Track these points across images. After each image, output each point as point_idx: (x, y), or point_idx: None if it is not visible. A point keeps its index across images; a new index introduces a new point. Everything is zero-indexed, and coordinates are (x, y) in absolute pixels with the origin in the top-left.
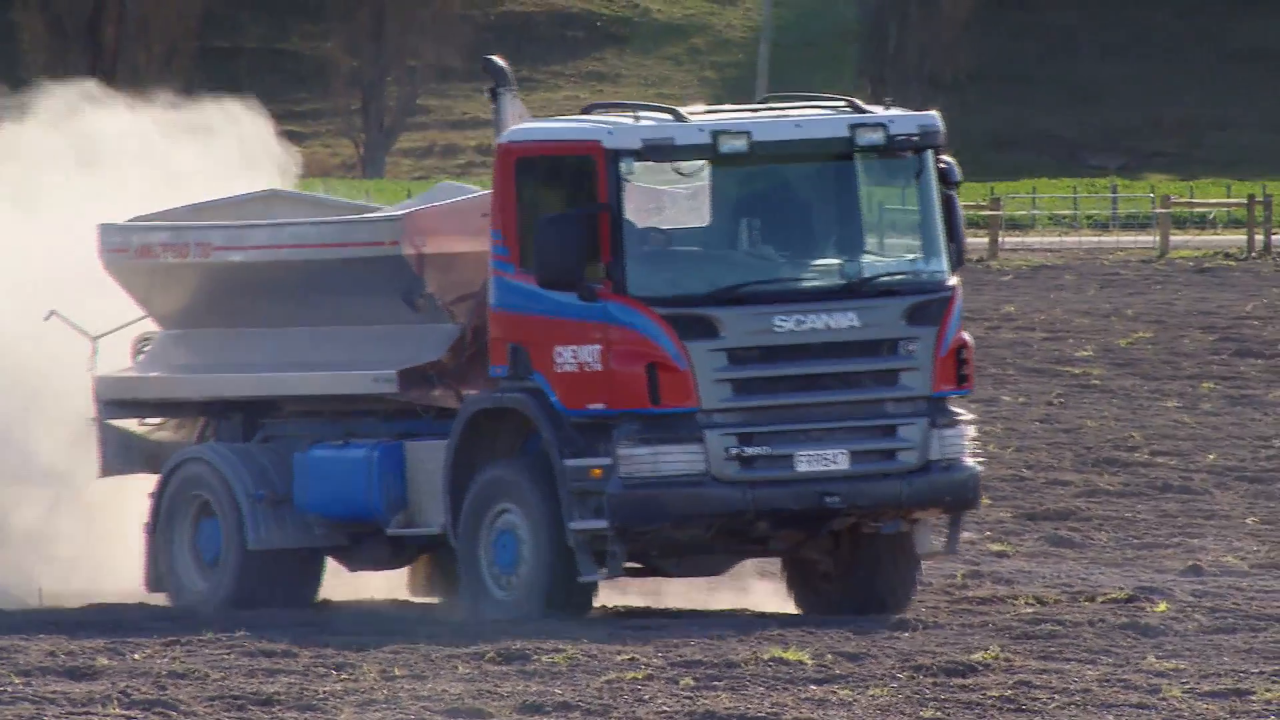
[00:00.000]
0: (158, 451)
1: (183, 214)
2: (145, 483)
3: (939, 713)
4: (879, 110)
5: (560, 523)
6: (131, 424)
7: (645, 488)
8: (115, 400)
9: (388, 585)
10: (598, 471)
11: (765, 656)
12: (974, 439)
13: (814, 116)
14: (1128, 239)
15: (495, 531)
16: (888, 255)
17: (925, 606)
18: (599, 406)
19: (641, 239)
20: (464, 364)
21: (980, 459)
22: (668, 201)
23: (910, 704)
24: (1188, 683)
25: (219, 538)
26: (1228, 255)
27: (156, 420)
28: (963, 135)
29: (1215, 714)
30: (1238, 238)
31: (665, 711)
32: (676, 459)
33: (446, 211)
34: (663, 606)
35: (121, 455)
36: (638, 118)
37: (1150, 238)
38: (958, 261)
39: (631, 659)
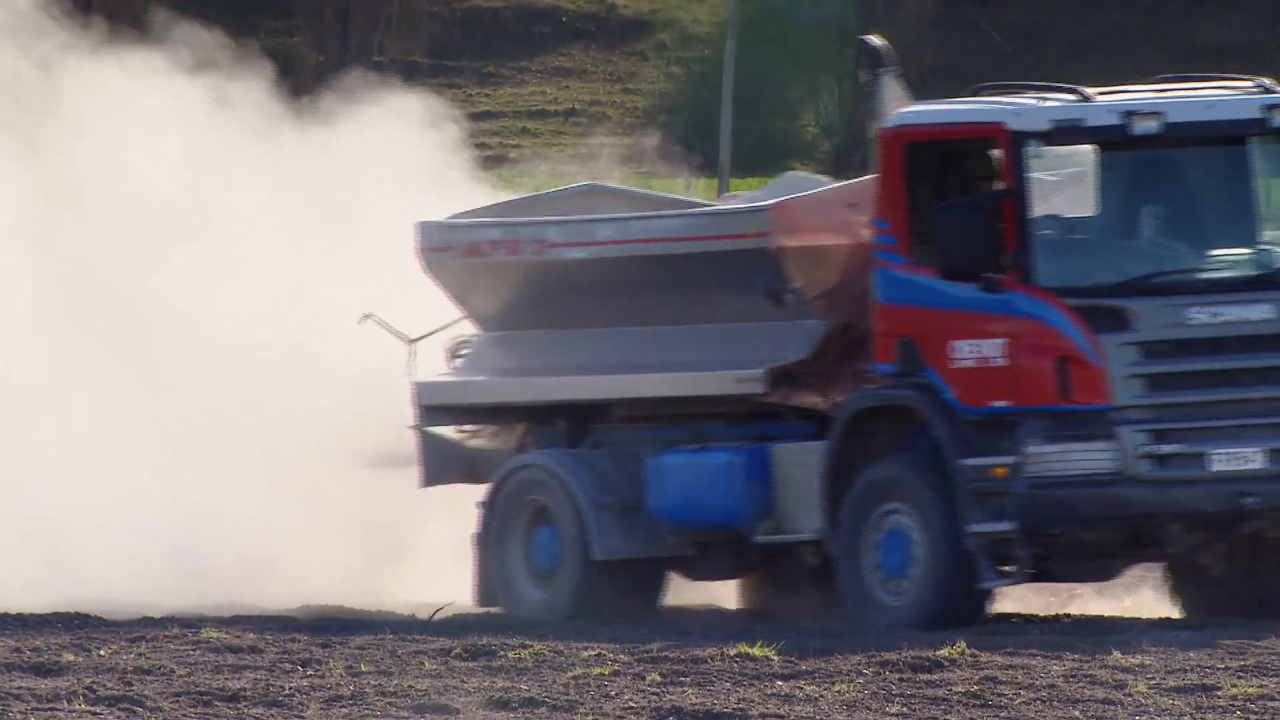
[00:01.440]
0: (476, 460)
1: (499, 211)
2: (458, 492)
3: (905, 708)
4: None
5: (955, 525)
6: (448, 432)
7: (1054, 488)
8: (436, 406)
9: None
10: (1000, 471)
11: (731, 652)
12: None
13: (1225, 96)
14: None
15: (881, 534)
16: None
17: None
18: (1001, 403)
19: (1047, 226)
20: (830, 363)
21: None
22: (1048, 189)
23: (876, 699)
24: (1154, 678)
25: (556, 547)
26: None
27: (472, 428)
28: None
29: (1181, 709)
30: None
31: (632, 707)
32: (1087, 457)
33: (813, 202)
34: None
35: (441, 464)
36: (1042, 98)
37: None
38: None
39: (598, 655)
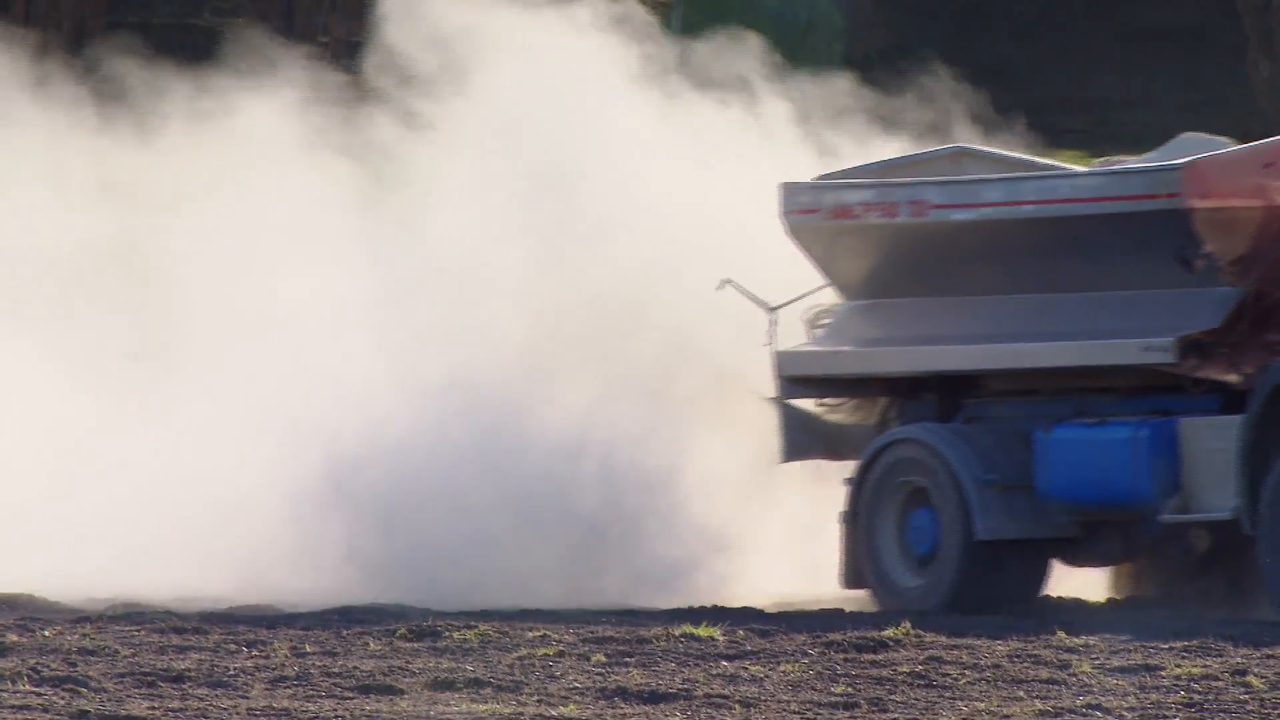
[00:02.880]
0: (837, 435)
1: (866, 172)
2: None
3: (850, 688)
4: None
5: None
6: (808, 405)
7: None
8: (797, 377)
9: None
10: None
11: (676, 633)
12: None
13: None
14: None
15: None
16: None
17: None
18: None
19: None
20: (1241, 333)
21: None
22: None
23: (821, 680)
24: (1098, 658)
25: (934, 529)
26: None
27: (832, 402)
28: None
29: (1125, 689)
30: None
31: (577, 688)
32: None
33: (1227, 161)
34: None
35: (803, 439)
36: None
37: None
38: None
39: (543, 635)
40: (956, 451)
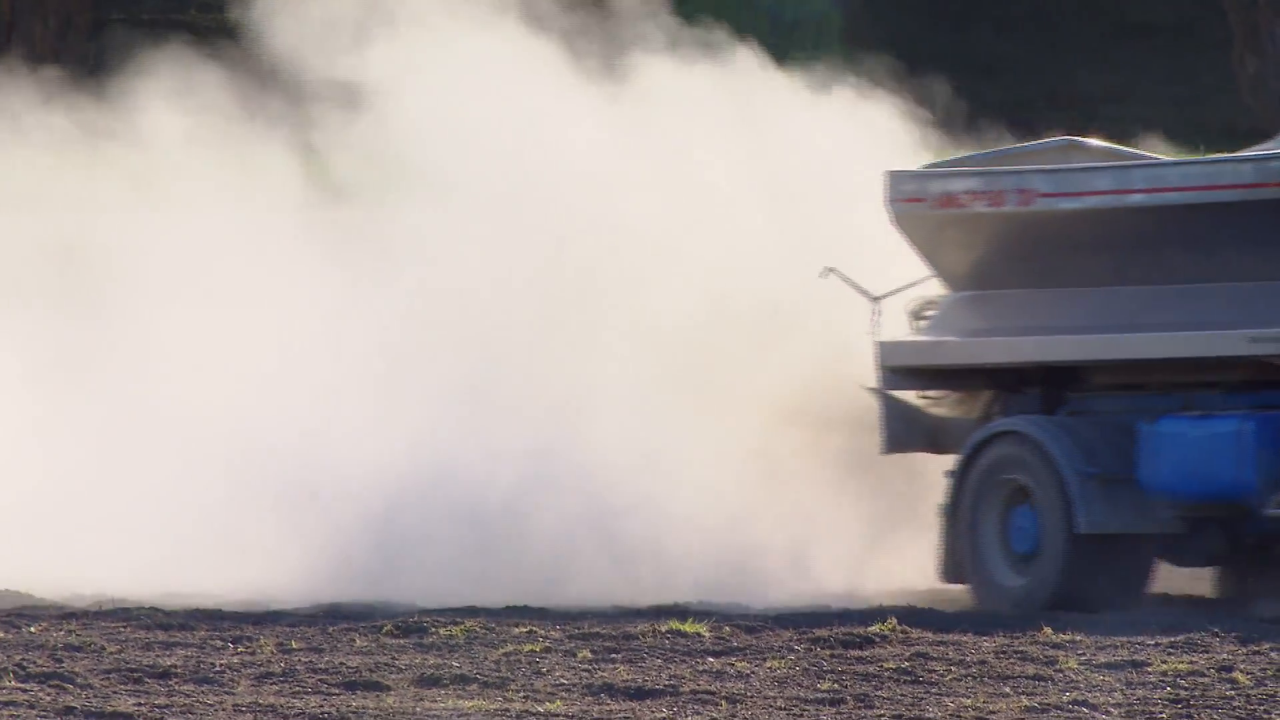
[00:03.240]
0: (939, 427)
1: (973, 162)
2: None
3: (836, 684)
4: None
5: None
6: (909, 396)
7: None
8: (901, 368)
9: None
10: None
11: (663, 629)
12: None
13: None
14: None
15: None
16: None
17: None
18: None
19: None
20: None
21: None
22: None
23: (808, 676)
24: (1084, 654)
25: (1035, 526)
26: None
27: (934, 394)
28: None
29: (1112, 685)
30: None
31: (563, 684)
32: None
33: None
34: None
35: (904, 431)
36: None
37: None
38: None
39: (529, 631)
40: (1059, 444)
